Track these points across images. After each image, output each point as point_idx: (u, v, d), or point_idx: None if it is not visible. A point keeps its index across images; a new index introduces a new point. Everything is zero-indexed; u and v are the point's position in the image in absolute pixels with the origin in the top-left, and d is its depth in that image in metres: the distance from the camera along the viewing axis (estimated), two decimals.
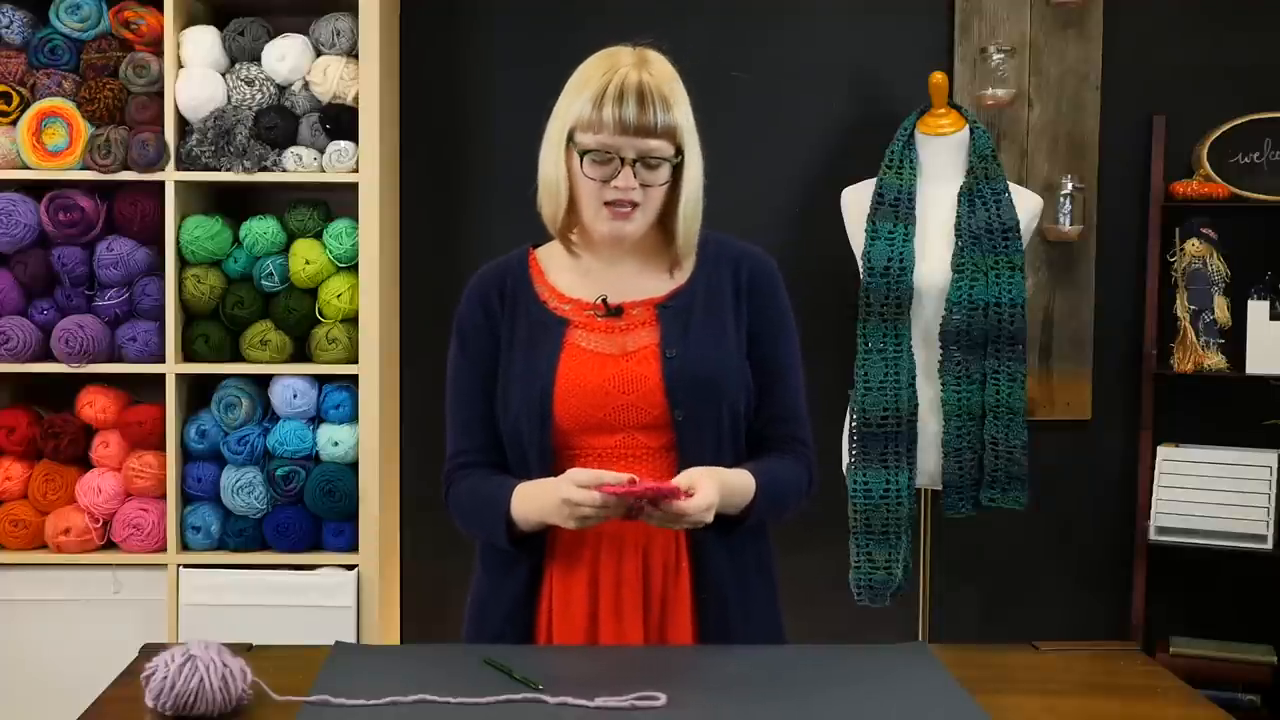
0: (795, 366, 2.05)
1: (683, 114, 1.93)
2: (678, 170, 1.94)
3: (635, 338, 1.98)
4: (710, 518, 1.85)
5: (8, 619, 3.35)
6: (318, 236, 3.39)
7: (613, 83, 1.90)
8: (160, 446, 3.37)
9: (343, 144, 3.35)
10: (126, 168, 3.32)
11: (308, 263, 3.36)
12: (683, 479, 1.85)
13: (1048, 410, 3.76)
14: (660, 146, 1.91)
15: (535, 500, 1.90)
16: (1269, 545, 3.54)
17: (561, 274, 2.04)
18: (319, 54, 3.40)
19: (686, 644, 1.96)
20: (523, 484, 1.93)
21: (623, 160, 1.90)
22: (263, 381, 3.42)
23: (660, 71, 1.94)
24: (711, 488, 1.84)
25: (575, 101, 1.93)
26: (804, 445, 2.05)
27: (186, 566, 3.33)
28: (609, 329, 1.98)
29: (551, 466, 1.95)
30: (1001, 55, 3.64)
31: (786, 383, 2.03)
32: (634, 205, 1.92)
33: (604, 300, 1.99)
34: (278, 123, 3.35)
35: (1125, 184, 3.76)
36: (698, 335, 1.97)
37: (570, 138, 1.93)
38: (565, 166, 1.95)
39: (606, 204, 1.92)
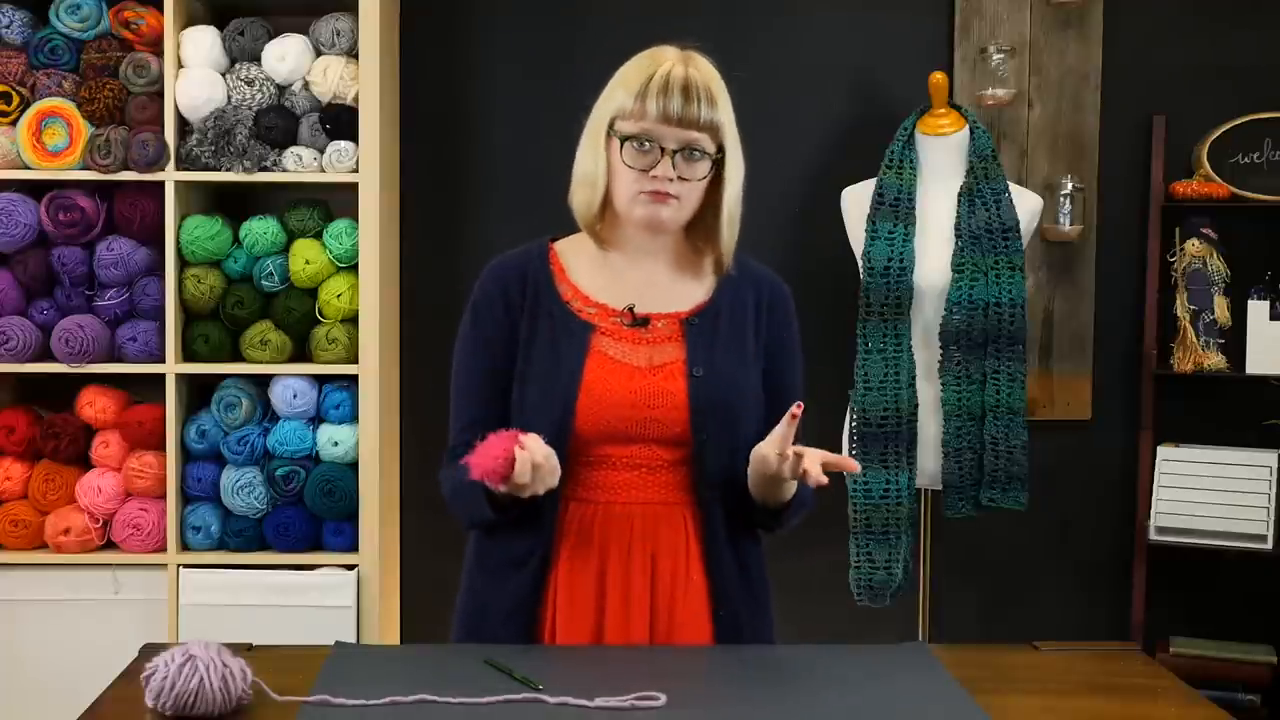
0: (800, 392, 2.05)
1: (726, 114, 1.93)
2: (718, 170, 1.93)
3: (661, 351, 1.97)
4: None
5: (8, 619, 3.35)
6: (318, 236, 3.39)
7: (658, 75, 1.90)
8: (160, 446, 3.37)
9: (343, 144, 3.35)
10: (126, 168, 3.32)
11: (308, 263, 3.36)
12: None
13: (1048, 410, 3.76)
14: (702, 139, 1.91)
15: None
16: (1269, 545, 3.54)
17: (583, 273, 2.02)
18: (319, 54, 3.40)
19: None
20: None
21: (663, 150, 1.90)
22: (263, 381, 3.42)
23: (705, 69, 1.94)
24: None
25: (618, 94, 1.93)
26: None
27: (186, 566, 3.33)
28: (635, 339, 1.97)
29: (564, 471, 1.93)
30: (1001, 55, 3.64)
31: None
32: (670, 195, 1.91)
33: (631, 309, 1.98)
34: (278, 123, 3.35)
35: (1125, 184, 3.76)
36: (722, 354, 1.97)
37: (611, 127, 1.93)
38: (605, 156, 1.94)
39: (643, 192, 1.91)
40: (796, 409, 1.81)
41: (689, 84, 1.90)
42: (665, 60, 1.93)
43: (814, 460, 1.80)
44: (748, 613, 1.99)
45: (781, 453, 1.82)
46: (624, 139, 1.91)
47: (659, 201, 1.91)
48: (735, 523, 1.98)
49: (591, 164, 1.96)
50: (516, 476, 1.77)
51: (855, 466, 1.83)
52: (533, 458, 1.77)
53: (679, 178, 1.90)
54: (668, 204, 1.92)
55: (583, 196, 1.98)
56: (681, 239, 2.01)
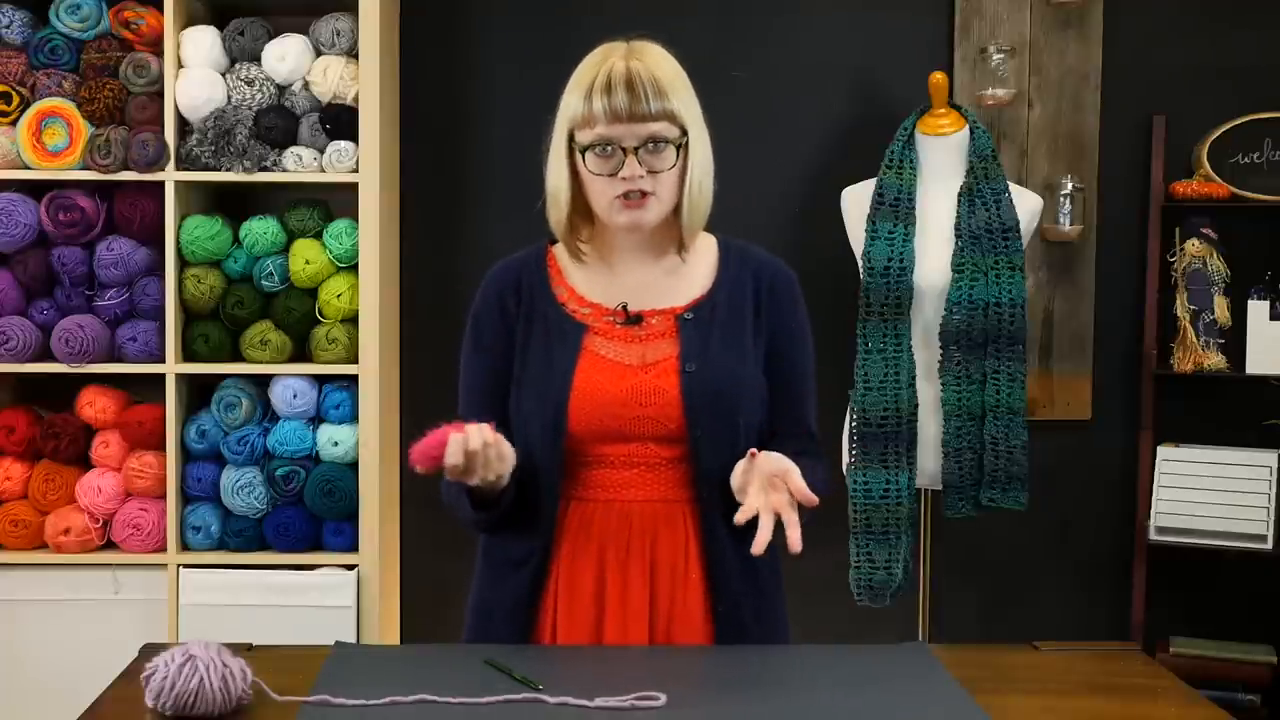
0: (811, 381, 2.04)
1: (679, 97, 1.90)
2: (685, 153, 1.91)
3: (655, 348, 1.96)
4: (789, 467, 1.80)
5: (8, 619, 3.35)
6: (318, 236, 3.39)
7: (600, 74, 1.89)
8: (160, 446, 3.37)
9: (343, 144, 3.35)
10: (126, 168, 3.32)
11: (308, 263, 3.36)
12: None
13: (1048, 410, 3.76)
14: (660, 129, 1.88)
15: None
16: (1269, 545, 3.54)
17: (580, 274, 2.01)
18: (319, 54, 3.40)
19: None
20: None
21: (624, 150, 1.88)
22: (263, 381, 3.42)
23: (651, 59, 1.91)
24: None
25: (570, 100, 1.92)
26: (819, 454, 2.04)
27: (186, 566, 3.33)
28: (628, 337, 1.96)
29: (562, 471, 1.94)
30: (1001, 55, 3.64)
31: (801, 398, 2.02)
32: (645, 194, 1.90)
33: (624, 307, 1.97)
34: (278, 123, 3.35)
35: (1125, 184, 3.76)
36: (717, 349, 1.95)
37: (571, 139, 1.92)
38: (569, 170, 1.93)
39: (618, 197, 1.90)
40: (752, 451, 1.81)
41: (632, 77, 1.88)
42: (609, 58, 1.91)
43: (788, 513, 1.78)
44: (752, 610, 1.98)
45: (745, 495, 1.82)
46: (584, 150, 1.90)
47: (635, 206, 1.91)
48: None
49: (556, 179, 1.95)
50: (447, 458, 1.77)
51: (813, 500, 1.80)
52: (468, 443, 1.77)
53: (649, 172, 1.89)
54: (645, 205, 1.91)
55: (553, 214, 1.98)
56: (670, 230, 1.98)
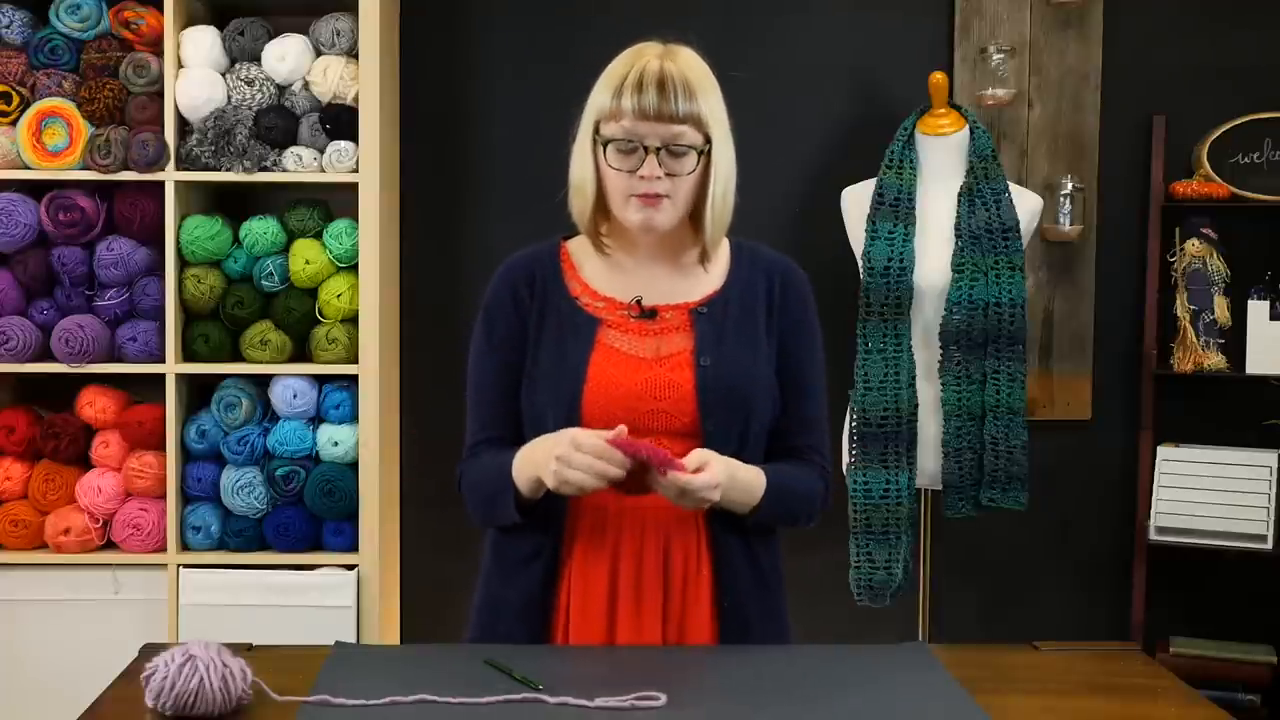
0: (821, 380, 2.04)
1: (709, 103, 1.91)
2: (707, 160, 1.92)
3: (669, 342, 1.96)
4: (715, 497, 1.84)
5: (8, 619, 3.35)
6: (318, 236, 3.39)
7: (633, 72, 1.89)
8: (160, 446, 3.37)
9: (343, 144, 3.35)
10: (126, 168, 3.32)
11: (308, 263, 3.36)
12: (693, 457, 1.84)
13: (1048, 410, 3.76)
14: (685, 133, 1.89)
15: (532, 454, 1.88)
16: (1269, 545, 3.54)
17: (593, 269, 2.01)
18: (319, 54, 3.40)
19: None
20: (528, 443, 1.92)
21: (646, 149, 1.89)
22: (263, 381, 3.42)
23: (685, 62, 1.92)
24: (720, 469, 1.84)
25: (599, 95, 1.93)
26: (821, 457, 2.04)
27: (186, 566, 3.33)
28: (642, 331, 1.96)
29: None
30: (1001, 55, 3.64)
31: (811, 397, 2.03)
32: (660, 195, 1.90)
33: (638, 301, 1.97)
34: (278, 123, 3.35)
35: (1125, 184, 3.76)
36: (731, 344, 1.96)
37: (596, 131, 1.92)
38: (593, 161, 1.94)
39: (634, 195, 1.91)
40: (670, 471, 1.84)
41: (664, 78, 1.88)
42: (644, 56, 1.92)
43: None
44: (757, 607, 1.98)
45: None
46: (606, 143, 1.90)
47: (650, 205, 1.91)
48: (733, 508, 1.96)
49: (581, 170, 1.95)
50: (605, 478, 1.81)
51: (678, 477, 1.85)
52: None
53: (666, 174, 1.89)
54: (659, 207, 1.91)
55: (577, 205, 1.98)
56: (686, 231, 1.99)
